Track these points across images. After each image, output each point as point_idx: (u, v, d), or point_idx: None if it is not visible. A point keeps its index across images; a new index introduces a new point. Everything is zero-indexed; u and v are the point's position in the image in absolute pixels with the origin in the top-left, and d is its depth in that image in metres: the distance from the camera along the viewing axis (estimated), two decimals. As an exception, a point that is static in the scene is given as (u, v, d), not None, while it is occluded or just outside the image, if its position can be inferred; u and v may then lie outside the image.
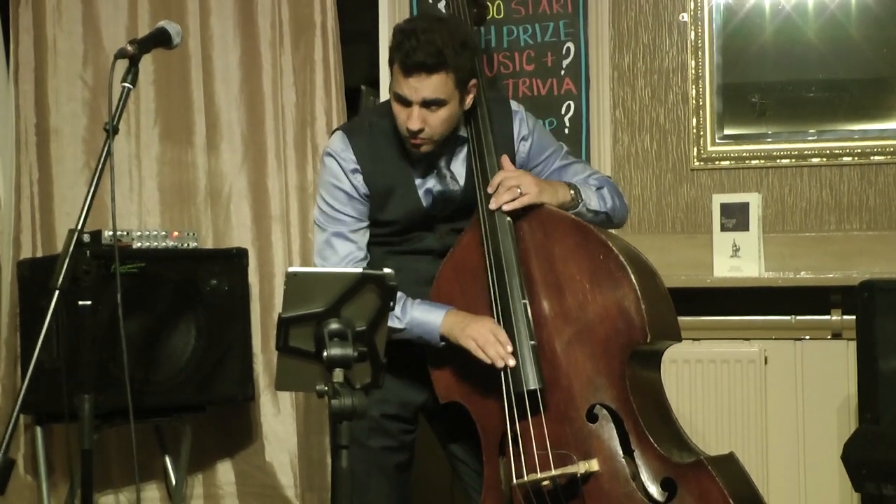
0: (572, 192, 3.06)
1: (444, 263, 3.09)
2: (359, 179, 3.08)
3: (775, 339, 4.06)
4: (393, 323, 2.94)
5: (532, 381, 2.94)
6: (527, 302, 2.96)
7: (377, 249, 3.15)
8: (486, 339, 2.92)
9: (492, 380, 2.97)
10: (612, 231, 3.18)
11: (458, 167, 3.11)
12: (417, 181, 3.09)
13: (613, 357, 2.92)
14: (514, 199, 2.98)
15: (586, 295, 2.94)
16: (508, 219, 3.02)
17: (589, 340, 2.94)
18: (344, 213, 3.09)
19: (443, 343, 2.99)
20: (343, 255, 3.07)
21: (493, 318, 2.97)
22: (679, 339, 3.09)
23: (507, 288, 2.97)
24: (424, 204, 3.09)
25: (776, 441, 4.03)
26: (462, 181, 3.10)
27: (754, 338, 4.06)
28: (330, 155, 3.10)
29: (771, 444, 4.03)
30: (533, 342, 2.95)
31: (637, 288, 2.90)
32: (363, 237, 3.11)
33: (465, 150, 3.10)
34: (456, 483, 3.29)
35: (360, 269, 2.44)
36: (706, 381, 4.05)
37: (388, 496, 3.18)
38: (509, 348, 2.91)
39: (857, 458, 3.35)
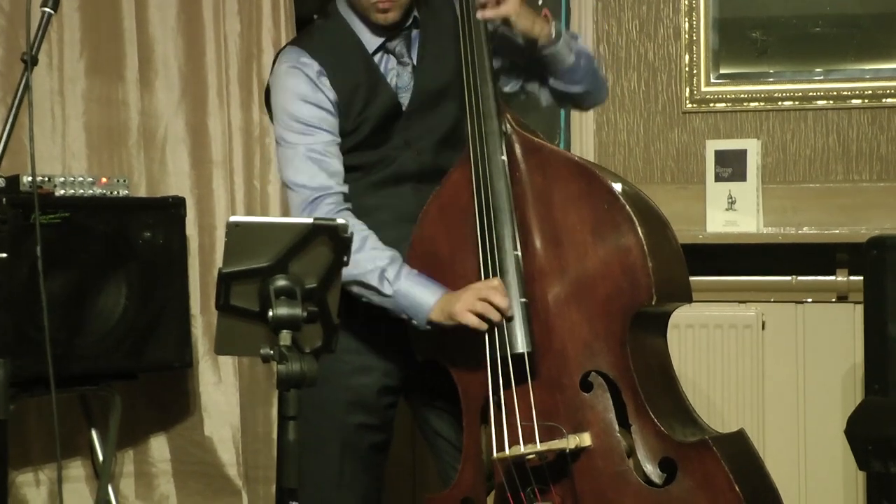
0: (554, 31, 3.06)
1: (429, 202, 3.06)
2: (325, 84, 3.06)
3: (774, 301, 4.07)
4: (382, 286, 2.93)
5: (520, 344, 2.90)
6: (519, 254, 2.93)
7: (350, 186, 3.10)
8: (487, 310, 2.87)
9: (475, 339, 2.94)
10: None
11: (416, 53, 3.14)
12: (381, 69, 3.11)
13: (614, 319, 2.89)
14: (490, 9, 2.99)
15: (586, 248, 2.91)
16: (503, 157, 2.98)
17: (587, 300, 2.91)
18: (315, 127, 3.05)
19: (428, 327, 2.94)
20: (325, 170, 3.03)
21: (479, 267, 2.94)
22: (689, 300, 3.07)
23: (498, 237, 2.93)
24: (394, 91, 3.10)
25: (774, 414, 4.04)
26: (430, 69, 3.12)
27: (751, 300, 4.08)
28: (287, 68, 3.07)
29: (768, 417, 4.04)
30: (524, 300, 2.91)
31: (644, 243, 2.87)
32: (339, 153, 3.08)
33: (418, 35, 3.14)
34: (434, 462, 3.27)
35: (310, 219, 2.42)
36: (697, 348, 4.06)
37: (360, 481, 3.15)
38: (505, 303, 2.87)
39: (862, 433, 3.35)
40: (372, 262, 2.93)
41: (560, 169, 2.97)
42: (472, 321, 2.87)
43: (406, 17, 3.10)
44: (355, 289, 2.95)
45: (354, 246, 2.76)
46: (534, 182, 2.98)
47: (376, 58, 3.11)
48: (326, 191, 3.02)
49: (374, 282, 2.92)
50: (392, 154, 3.11)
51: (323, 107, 3.05)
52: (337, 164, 3.05)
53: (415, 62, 3.12)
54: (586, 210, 2.93)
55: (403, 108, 3.10)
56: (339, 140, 3.07)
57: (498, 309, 2.86)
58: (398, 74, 3.11)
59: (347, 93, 3.06)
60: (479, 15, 3.00)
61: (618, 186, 2.94)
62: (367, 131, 3.09)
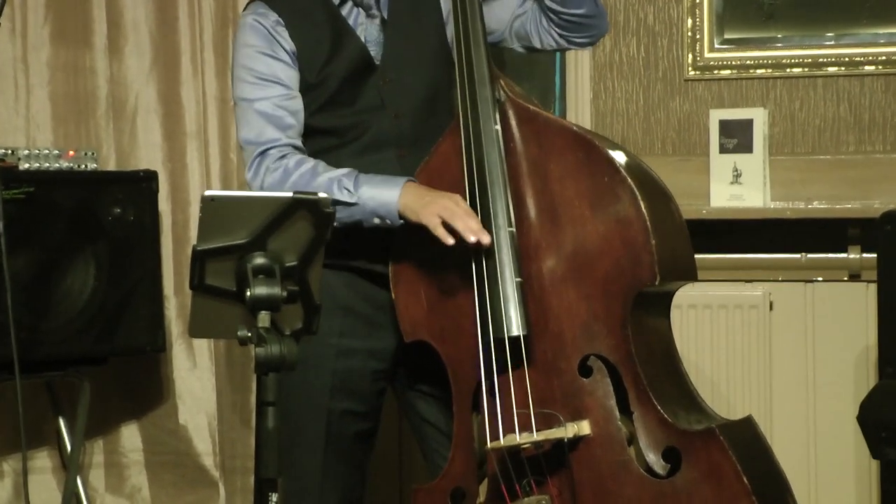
0: None
1: (416, 174, 3.05)
2: (283, 34, 3.07)
3: (782, 280, 4.06)
4: (342, 196, 2.94)
5: (515, 326, 2.89)
6: (513, 230, 2.92)
7: (327, 156, 3.10)
8: (454, 212, 2.87)
9: (469, 317, 2.94)
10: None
11: (388, 6, 3.14)
12: (349, 22, 3.11)
13: (614, 299, 2.88)
14: None
15: (585, 223, 2.90)
16: (496, 127, 2.97)
17: (586, 278, 2.90)
18: (270, 81, 3.06)
19: (402, 222, 2.95)
20: (274, 123, 3.04)
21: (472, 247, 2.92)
22: (694, 278, 3.07)
23: (491, 213, 2.92)
24: (363, 43, 3.10)
25: (782, 400, 4.04)
26: (402, 24, 3.12)
27: (758, 279, 4.07)
28: (245, 22, 3.10)
29: (776, 403, 4.04)
30: (519, 279, 2.90)
31: (647, 218, 2.86)
32: (297, 108, 3.08)
33: None
34: (422, 450, 3.26)
35: (289, 193, 2.43)
36: (700, 330, 4.06)
37: (342, 472, 3.15)
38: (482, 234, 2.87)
39: (875, 419, 3.37)
40: (328, 181, 2.95)
41: (557, 139, 2.96)
42: (434, 223, 2.87)
43: None
44: None
45: (306, 178, 2.87)
46: (529, 153, 2.97)
47: (343, 10, 3.10)
48: (273, 143, 3.03)
49: (335, 195, 2.92)
50: (367, 117, 3.10)
51: (279, 58, 3.06)
52: (290, 119, 3.06)
53: (385, 16, 3.11)
54: (585, 182, 2.92)
55: (376, 62, 3.10)
56: (296, 94, 3.07)
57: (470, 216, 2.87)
58: (367, 28, 3.11)
59: (309, 44, 3.07)
60: None
61: (619, 157, 2.93)
62: (335, 86, 3.08)
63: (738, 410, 3.76)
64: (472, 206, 2.93)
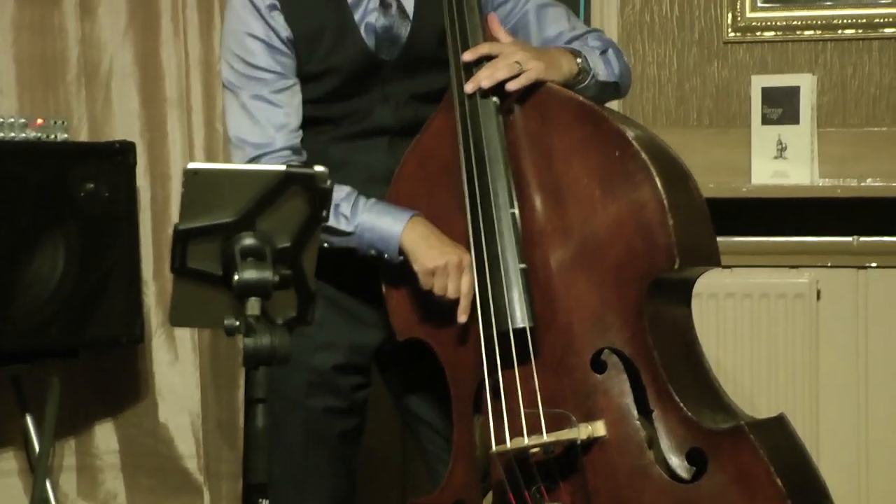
0: (579, 60, 3.04)
1: (406, 155, 3.06)
2: (279, 20, 3.06)
3: (831, 266, 4.06)
4: (339, 224, 2.96)
5: (520, 318, 2.89)
6: (516, 212, 2.92)
7: (315, 139, 3.12)
8: (449, 274, 2.92)
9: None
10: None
11: None
12: (355, 15, 3.09)
13: (628, 287, 2.88)
14: (513, 77, 2.94)
15: (594, 204, 2.90)
16: (494, 98, 2.97)
17: (597, 264, 2.91)
18: (262, 69, 3.07)
19: (401, 258, 2.97)
20: (266, 122, 3.05)
21: (469, 230, 2.94)
22: (717, 264, 3.06)
23: (490, 193, 2.92)
24: (368, 43, 3.09)
25: (830, 401, 4.04)
26: (411, 13, 3.11)
27: (804, 265, 4.06)
28: (237, 1, 3.09)
29: (823, 404, 4.03)
30: (523, 265, 2.91)
31: (663, 197, 2.85)
32: (292, 99, 3.09)
33: None
34: (419, 454, 3.27)
35: (282, 166, 2.41)
36: (740, 322, 4.05)
37: (328, 475, 3.16)
38: (466, 290, 2.93)
39: None
40: None
41: (562, 111, 2.96)
42: (422, 271, 2.93)
43: None
44: None
45: None
46: (530, 127, 2.98)
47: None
48: (268, 147, 3.05)
49: (330, 221, 2.88)
50: (366, 107, 3.12)
51: (273, 45, 3.06)
52: (283, 117, 3.07)
53: (403, 6, 3.10)
54: (593, 158, 2.92)
55: (385, 60, 3.10)
56: (292, 82, 3.09)
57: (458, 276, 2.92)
58: (378, 17, 3.10)
59: (308, 32, 3.07)
60: (509, 87, 2.94)
61: (631, 130, 2.93)
62: (337, 83, 3.09)
63: (781, 411, 3.75)
64: (470, 185, 2.94)
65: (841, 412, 4.03)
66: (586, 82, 3.04)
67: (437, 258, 2.93)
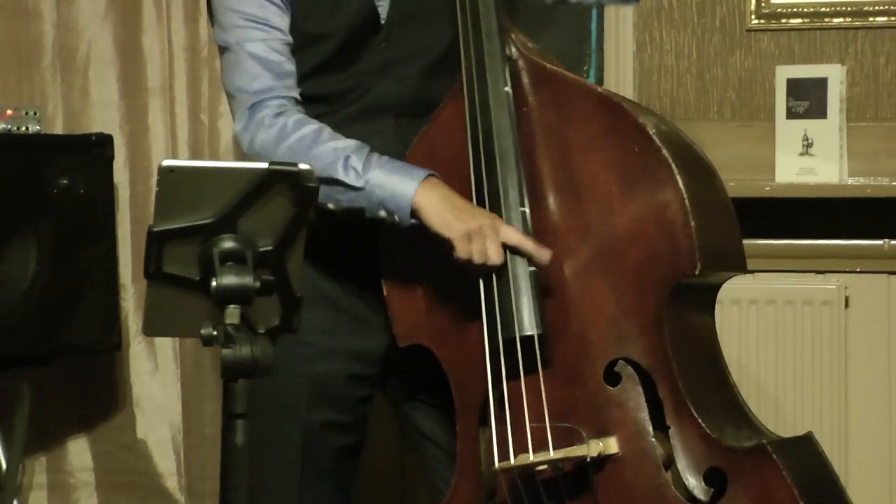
0: None
1: (414, 144, 3.07)
2: None
3: (860, 271, 4.06)
4: (348, 177, 2.95)
5: (528, 325, 2.90)
6: (527, 210, 2.93)
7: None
8: (480, 231, 2.87)
9: (472, 318, 2.96)
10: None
11: None
12: None
13: (648, 293, 2.89)
14: None
15: (612, 203, 2.91)
16: (507, 88, 2.98)
17: (614, 268, 2.92)
18: (264, 23, 3.08)
19: (413, 221, 2.95)
20: (265, 70, 3.06)
21: None
22: (743, 269, 3.07)
23: (500, 189, 2.93)
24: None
25: (859, 413, 4.05)
26: None
27: (832, 270, 4.07)
28: None
29: (853, 418, 4.04)
30: (532, 268, 2.91)
31: (686, 196, 2.86)
32: (291, 56, 3.10)
33: None
34: (419, 470, 3.30)
35: (264, 164, 2.41)
36: (763, 330, 4.06)
37: (322, 493, 3.17)
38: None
39: None
40: (333, 152, 2.96)
41: (579, 102, 2.97)
42: (466, 253, 2.89)
43: None
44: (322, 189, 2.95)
45: (306, 143, 2.90)
46: (545, 119, 2.98)
47: None
48: (269, 93, 3.05)
49: (338, 174, 2.93)
50: (365, 80, 3.13)
51: (272, 1, 3.08)
52: (289, 65, 3.08)
53: None
54: (612, 154, 2.93)
55: (382, 20, 3.11)
56: (289, 40, 3.10)
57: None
58: None
59: None
60: None
61: (652, 124, 2.94)
62: (335, 46, 3.10)
63: (806, 427, 3.73)
64: (478, 182, 2.95)
65: (871, 428, 4.04)
66: None
67: (469, 220, 2.90)
